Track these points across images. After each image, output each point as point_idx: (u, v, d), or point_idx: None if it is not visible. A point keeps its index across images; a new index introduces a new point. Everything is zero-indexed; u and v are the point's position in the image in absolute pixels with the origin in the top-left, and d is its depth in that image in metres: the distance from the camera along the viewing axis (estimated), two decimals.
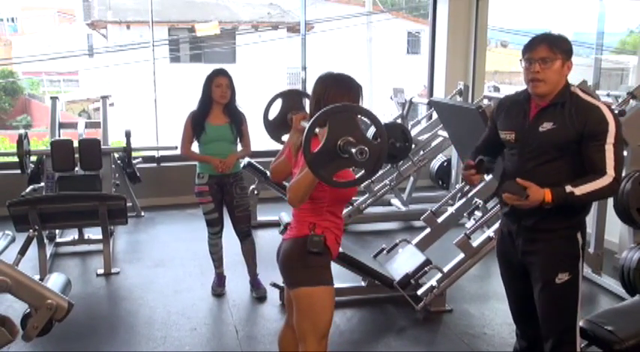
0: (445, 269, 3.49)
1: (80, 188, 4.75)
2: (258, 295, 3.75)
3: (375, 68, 15.31)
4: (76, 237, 4.64)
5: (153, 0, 7.72)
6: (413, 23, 17.57)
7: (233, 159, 3.60)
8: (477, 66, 6.58)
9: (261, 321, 3.49)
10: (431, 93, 6.90)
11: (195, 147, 3.67)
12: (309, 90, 2.19)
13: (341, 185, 1.94)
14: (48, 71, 17.35)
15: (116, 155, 5.43)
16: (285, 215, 3.54)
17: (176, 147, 3.89)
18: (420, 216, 4.22)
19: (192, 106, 3.63)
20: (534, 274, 2.25)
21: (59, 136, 5.38)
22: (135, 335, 3.30)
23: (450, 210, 4.31)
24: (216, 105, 3.57)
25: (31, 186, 4.90)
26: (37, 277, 2.93)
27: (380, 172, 5.41)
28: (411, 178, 5.70)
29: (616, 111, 3.40)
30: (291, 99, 2.83)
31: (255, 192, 5.23)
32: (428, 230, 4.13)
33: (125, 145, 5.21)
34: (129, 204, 4.99)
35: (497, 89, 6.28)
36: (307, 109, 2.31)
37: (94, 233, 4.55)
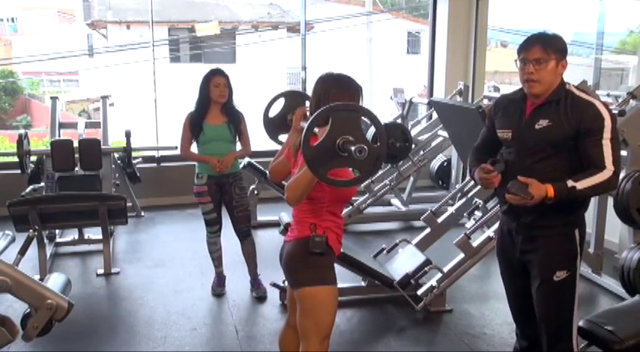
0: (445, 269, 3.49)
1: (80, 188, 4.75)
2: (259, 295, 3.75)
3: (375, 68, 15.31)
4: (76, 237, 4.63)
5: (153, 0, 7.73)
6: (413, 23, 17.57)
7: (231, 158, 3.59)
8: (477, 66, 6.58)
9: (261, 321, 3.49)
10: (431, 93, 6.90)
11: (194, 147, 3.67)
12: (310, 91, 2.20)
13: (339, 184, 1.95)
14: (48, 71, 17.35)
15: (116, 155, 5.43)
16: (285, 215, 3.53)
17: (176, 147, 3.89)
18: (420, 216, 4.23)
19: (192, 107, 3.63)
20: (533, 272, 2.26)
21: (59, 136, 5.38)
22: (135, 335, 3.30)
23: (450, 210, 4.31)
24: (214, 105, 3.56)
25: (31, 186, 4.90)
26: (37, 277, 2.93)
27: (380, 172, 5.41)
28: (411, 178, 5.70)
29: (616, 111, 3.43)
30: (294, 100, 2.83)
31: (255, 192, 5.23)
32: (428, 230, 4.14)
33: (125, 145, 5.21)
34: (129, 204, 4.99)
35: (497, 89, 6.29)
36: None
37: (94, 233, 4.55)
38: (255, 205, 5.25)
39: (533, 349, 2.41)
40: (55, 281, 2.23)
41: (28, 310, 2.04)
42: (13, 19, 19.55)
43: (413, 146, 5.07)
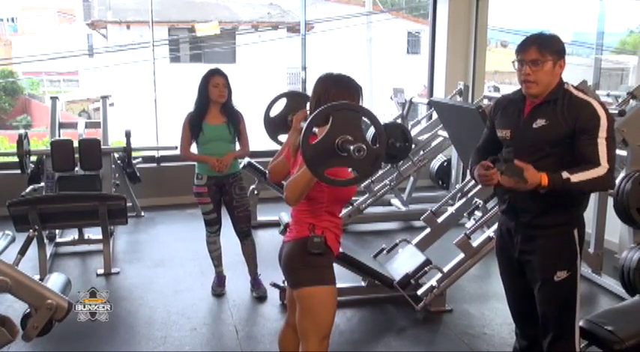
0: (445, 269, 3.49)
1: (80, 188, 4.75)
2: (259, 295, 3.76)
3: (375, 68, 15.30)
4: (76, 237, 4.63)
5: (153, 0, 7.72)
6: (413, 23, 17.55)
7: (230, 157, 3.59)
8: (477, 66, 6.58)
9: (261, 321, 3.49)
10: (431, 93, 6.90)
11: (194, 148, 3.67)
12: (309, 91, 2.20)
13: (338, 183, 1.95)
14: (48, 71, 17.33)
15: (116, 155, 5.43)
16: (285, 215, 3.54)
17: (176, 147, 3.89)
18: (420, 216, 4.23)
19: (191, 107, 3.62)
20: (533, 273, 2.26)
21: (59, 136, 5.38)
22: (135, 335, 3.30)
23: (450, 210, 4.31)
24: (214, 105, 3.56)
25: (31, 186, 4.90)
26: (37, 277, 2.93)
27: (380, 172, 5.42)
28: (411, 178, 5.70)
29: (616, 111, 3.43)
30: (295, 101, 2.83)
31: (255, 192, 5.23)
32: (428, 230, 4.14)
33: (125, 145, 5.21)
34: (129, 204, 5.00)
35: (497, 89, 6.29)
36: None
37: (94, 233, 4.55)
38: (255, 205, 5.25)
39: (533, 348, 2.41)
40: (55, 281, 2.23)
41: (28, 310, 2.03)
42: (13, 19, 19.53)
43: (413, 146, 5.07)
